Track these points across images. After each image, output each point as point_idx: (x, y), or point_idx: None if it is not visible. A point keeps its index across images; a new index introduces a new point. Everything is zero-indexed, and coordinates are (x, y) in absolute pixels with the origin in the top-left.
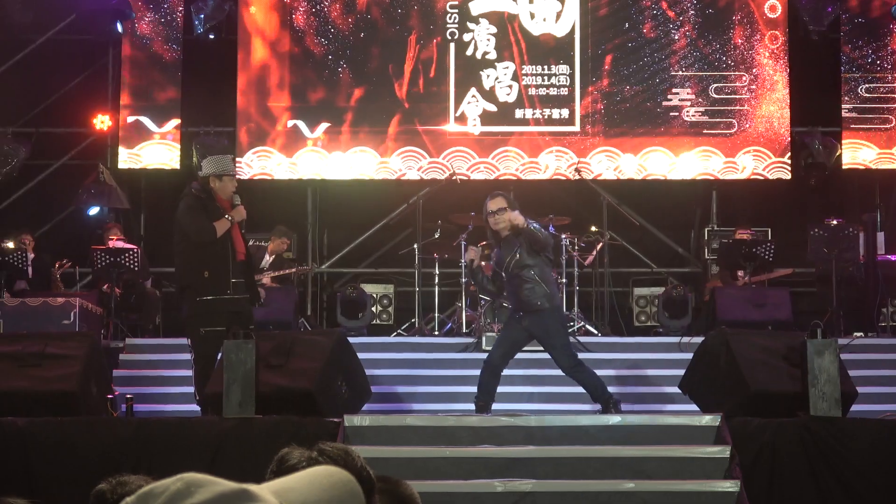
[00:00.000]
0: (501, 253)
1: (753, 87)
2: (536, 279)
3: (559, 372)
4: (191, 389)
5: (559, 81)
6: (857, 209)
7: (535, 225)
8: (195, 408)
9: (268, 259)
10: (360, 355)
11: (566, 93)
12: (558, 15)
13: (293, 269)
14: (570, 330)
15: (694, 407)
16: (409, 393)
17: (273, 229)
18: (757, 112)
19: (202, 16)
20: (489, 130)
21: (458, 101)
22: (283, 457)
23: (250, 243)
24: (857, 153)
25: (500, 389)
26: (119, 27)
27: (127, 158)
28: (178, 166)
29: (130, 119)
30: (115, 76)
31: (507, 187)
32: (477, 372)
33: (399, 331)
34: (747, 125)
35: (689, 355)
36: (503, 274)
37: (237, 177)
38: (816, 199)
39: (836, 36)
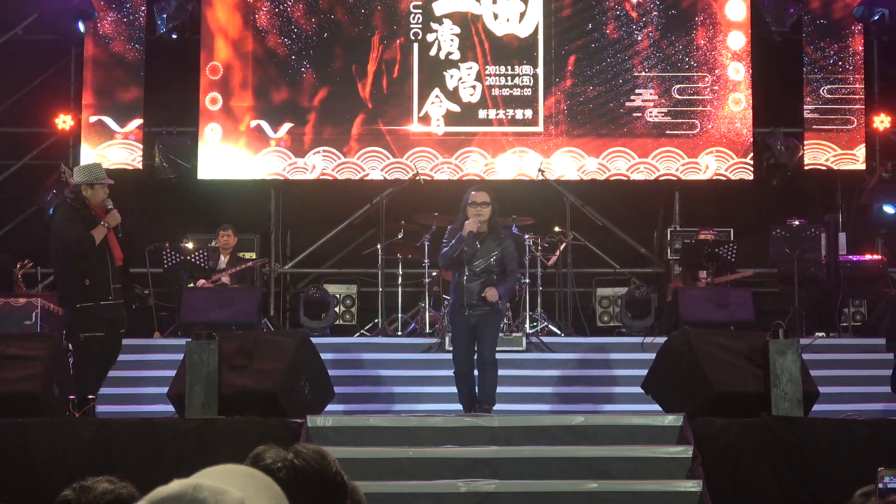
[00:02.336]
0: (475, 249)
1: (716, 88)
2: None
3: (523, 372)
4: (152, 390)
5: (522, 82)
6: (819, 210)
7: (505, 288)
8: (158, 408)
9: (223, 259)
10: (324, 356)
11: (529, 93)
12: (522, 15)
13: (249, 264)
14: (533, 330)
15: (657, 407)
16: (373, 393)
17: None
18: (719, 113)
19: (165, 15)
20: (453, 131)
21: (422, 102)
22: (259, 455)
23: (212, 244)
24: (820, 154)
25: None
26: (81, 27)
27: (89, 158)
28: (140, 166)
29: (93, 119)
30: (78, 76)
31: (470, 188)
32: (441, 372)
33: (362, 331)
34: (710, 126)
35: (652, 355)
36: (465, 266)
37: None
38: (779, 199)
39: (798, 37)
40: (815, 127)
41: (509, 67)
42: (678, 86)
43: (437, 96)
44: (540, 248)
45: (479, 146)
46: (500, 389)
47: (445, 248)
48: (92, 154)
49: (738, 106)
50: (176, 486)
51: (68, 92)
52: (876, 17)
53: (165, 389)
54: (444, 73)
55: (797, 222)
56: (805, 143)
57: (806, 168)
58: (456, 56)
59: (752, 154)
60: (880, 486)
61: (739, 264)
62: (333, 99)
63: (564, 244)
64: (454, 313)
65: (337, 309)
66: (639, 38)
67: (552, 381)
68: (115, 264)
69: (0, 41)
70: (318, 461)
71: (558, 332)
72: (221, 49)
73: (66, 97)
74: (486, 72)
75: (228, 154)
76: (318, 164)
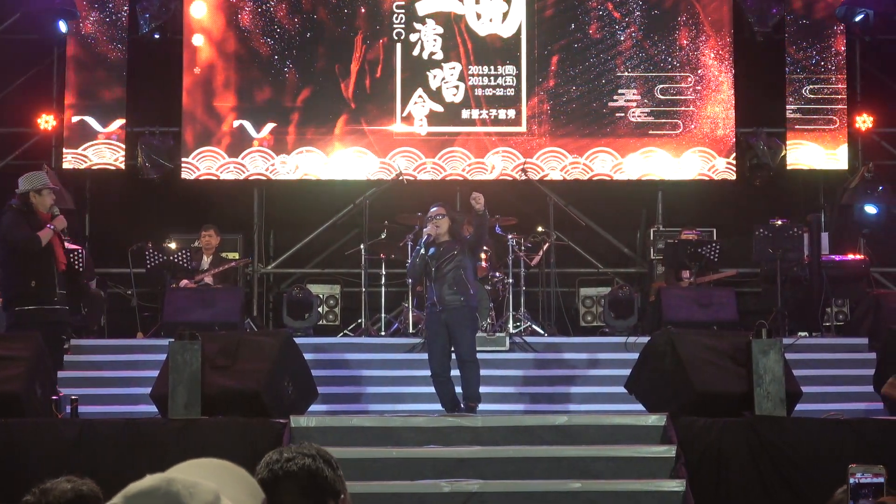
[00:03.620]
0: (438, 253)
1: (699, 88)
2: (464, 281)
3: (506, 372)
4: (135, 390)
5: (505, 82)
6: (801, 209)
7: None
8: (141, 409)
9: (206, 260)
10: (307, 356)
11: (512, 93)
12: (504, 15)
13: (232, 264)
14: (517, 330)
15: (640, 407)
16: (356, 393)
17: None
18: (702, 113)
19: (147, 15)
20: (436, 131)
21: (405, 102)
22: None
23: (195, 244)
24: (802, 154)
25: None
26: (64, 27)
27: (72, 158)
28: (123, 166)
29: (75, 119)
30: (60, 76)
31: (453, 188)
32: (424, 372)
33: (345, 331)
34: (692, 126)
35: (635, 355)
36: (433, 269)
37: (187, 177)
38: (761, 199)
39: (780, 37)
40: (797, 127)
41: (492, 67)
42: (661, 86)
43: (420, 96)
44: (523, 248)
45: (463, 146)
46: (483, 389)
47: (408, 262)
48: (73, 154)
49: (720, 106)
50: (149, 480)
51: (50, 92)
52: (859, 18)
53: (149, 390)
54: (428, 73)
55: (780, 222)
56: (788, 143)
57: (788, 168)
58: (439, 56)
59: (734, 154)
60: (852, 481)
61: (722, 264)
62: (316, 99)
63: (548, 244)
64: (428, 314)
65: (320, 309)
66: (621, 38)
67: (535, 380)
68: (59, 269)
69: None
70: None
71: (542, 332)
72: (204, 49)
73: (48, 97)
74: (469, 72)
75: (211, 154)
76: (301, 164)
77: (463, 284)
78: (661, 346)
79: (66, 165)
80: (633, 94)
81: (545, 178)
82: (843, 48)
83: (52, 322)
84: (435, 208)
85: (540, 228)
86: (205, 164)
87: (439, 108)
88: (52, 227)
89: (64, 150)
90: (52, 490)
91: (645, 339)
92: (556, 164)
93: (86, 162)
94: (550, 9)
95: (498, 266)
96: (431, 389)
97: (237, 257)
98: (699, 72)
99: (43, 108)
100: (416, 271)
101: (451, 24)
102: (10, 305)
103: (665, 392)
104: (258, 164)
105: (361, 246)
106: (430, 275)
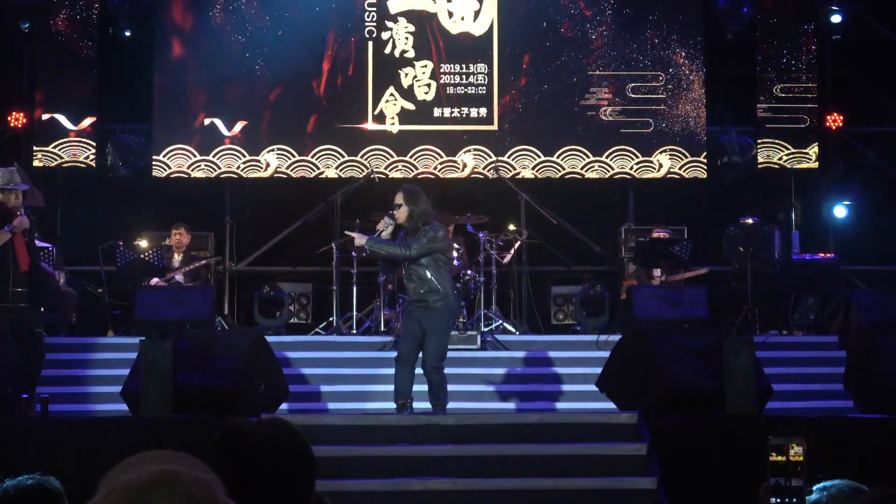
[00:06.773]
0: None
1: (670, 86)
2: (429, 278)
3: (478, 370)
4: (106, 389)
5: (477, 80)
6: (772, 208)
7: (382, 247)
8: (112, 407)
9: (177, 258)
10: (278, 354)
11: (484, 92)
12: (476, 14)
13: (203, 262)
14: (488, 328)
15: (612, 405)
16: (327, 392)
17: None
18: (673, 111)
19: (119, 12)
20: (407, 129)
21: (377, 100)
22: (232, 427)
23: (165, 242)
24: (773, 152)
25: (420, 388)
26: (34, 24)
27: (42, 156)
28: (94, 164)
29: (46, 117)
30: (30, 73)
31: (425, 186)
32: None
33: (317, 329)
34: (664, 124)
35: (607, 353)
36: (402, 266)
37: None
38: (732, 197)
39: (751, 36)
40: (768, 126)
41: (464, 66)
42: (632, 84)
43: (391, 94)
44: (495, 246)
45: (434, 144)
46: (455, 388)
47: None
48: (44, 152)
49: (691, 105)
50: (146, 474)
51: (21, 89)
52: (830, 18)
53: (119, 388)
54: (399, 71)
55: (751, 220)
56: (758, 141)
57: (759, 166)
58: (411, 54)
59: (705, 152)
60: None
61: (693, 262)
62: (288, 97)
63: (519, 242)
64: (406, 306)
65: (291, 307)
66: (593, 37)
67: (507, 379)
68: (20, 269)
69: None
70: (287, 429)
71: (513, 330)
72: (175, 46)
73: (18, 95)
74: (441, 70)
75: (182, 152)
76: (273, 162)
77: (426, 282)
78: (633, 344)
79: (36, 163)
80: (605, 93)
81: (517, 177)
82: (813, 47)
83: (14, 321)
84: (397, 193)
85: (511, 227)
86: (176, 162)
87: (411, 107)
88: (8, 227)
89: (34, 148)
90: (14, 488)
91: (616, 338)
92: (527, 163)
93: (56, 160)
94: (522, 7)
95: (469, 264)
96: None
97: (208, 255)
98: (670, 70)
99: (13, 105)
100: (387, 266)
101: (423, 23)
102: None
103: (637, 390)
104: (229, 161)
105: (333, 244)
106: (399, 268)
